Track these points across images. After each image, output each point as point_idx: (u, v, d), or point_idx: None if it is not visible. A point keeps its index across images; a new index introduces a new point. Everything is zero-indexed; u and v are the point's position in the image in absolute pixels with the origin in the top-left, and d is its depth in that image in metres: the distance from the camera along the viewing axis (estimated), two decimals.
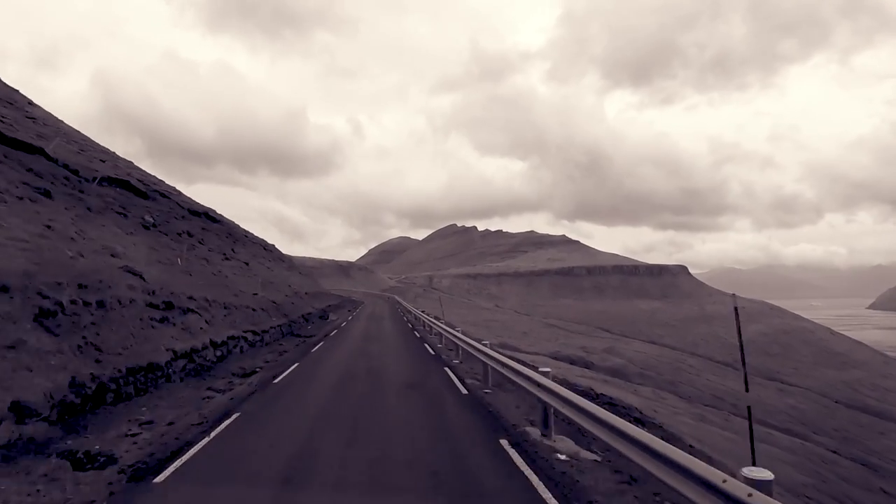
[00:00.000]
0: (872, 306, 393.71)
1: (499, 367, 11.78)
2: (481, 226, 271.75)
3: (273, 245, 59.08)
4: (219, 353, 15.14)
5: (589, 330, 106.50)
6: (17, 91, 28.47)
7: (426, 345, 23.06)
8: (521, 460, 7.41)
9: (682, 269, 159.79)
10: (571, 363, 67.84)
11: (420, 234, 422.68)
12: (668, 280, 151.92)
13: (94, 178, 19.60)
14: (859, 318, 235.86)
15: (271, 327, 21.75)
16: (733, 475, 4.20)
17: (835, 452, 39.97)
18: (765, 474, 3.98)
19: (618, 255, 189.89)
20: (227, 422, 9.13)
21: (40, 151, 17.61)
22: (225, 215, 42.49)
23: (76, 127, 32.00)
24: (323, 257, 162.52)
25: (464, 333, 18.98)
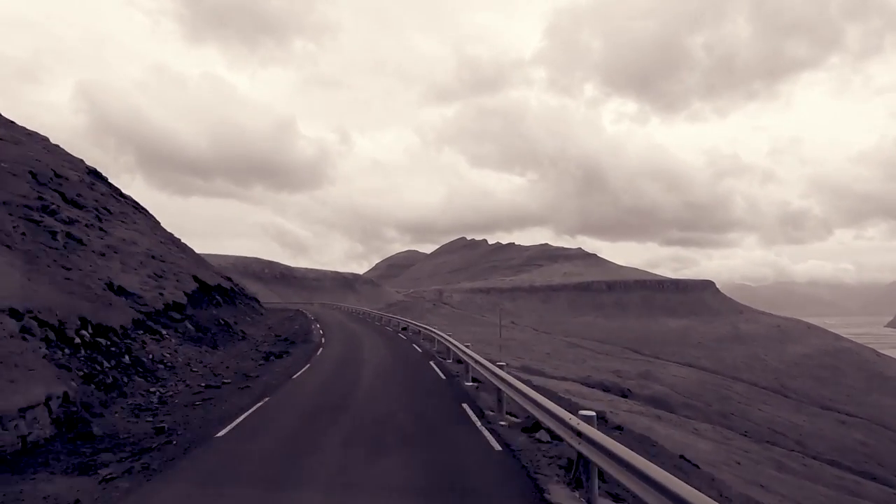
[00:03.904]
0: (891, 324, 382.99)
1: None
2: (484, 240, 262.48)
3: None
4: None
5: (617, 350, 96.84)
6: None
7: None
8: None
9: (709, 285, 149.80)
10: (605, 390, 58.41)
11: (423, 248, 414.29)
12: (694, 296, 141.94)
13: None
14: (880, 337, 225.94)
15: None
16: None
17: None
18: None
19: (638, 269, 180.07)
20: None
21: None
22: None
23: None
24: (326, 270, 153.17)
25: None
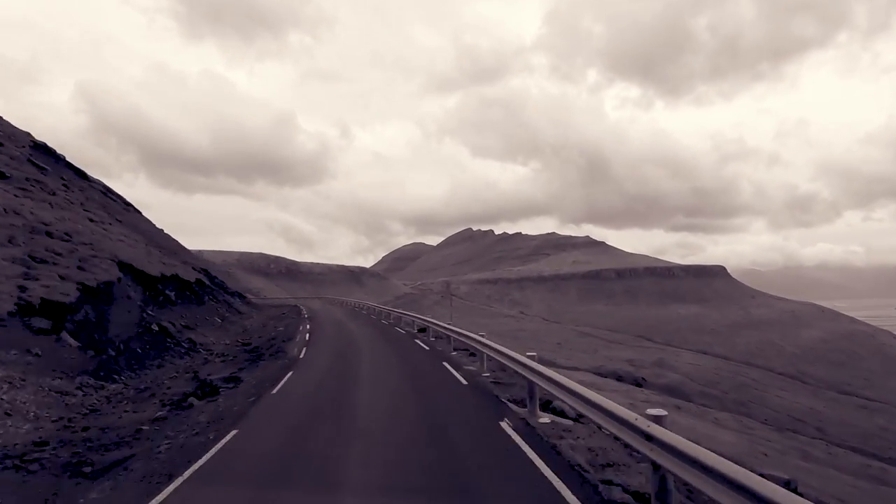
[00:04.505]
0: None
1: None
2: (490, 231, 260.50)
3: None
4: None
5: (628, 339, 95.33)
6: None
7: None
8: None
9: (720, 270, 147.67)
10: (619, 380, 56.98)
11: (428, 241, 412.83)
12: (705, 282, 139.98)
13: None
14: (893, 319, 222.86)
15: None
16: None
17: None
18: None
19: (648, 256, 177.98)
20: None
21: None
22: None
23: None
24: (332, 264, 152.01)
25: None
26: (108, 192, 34.70)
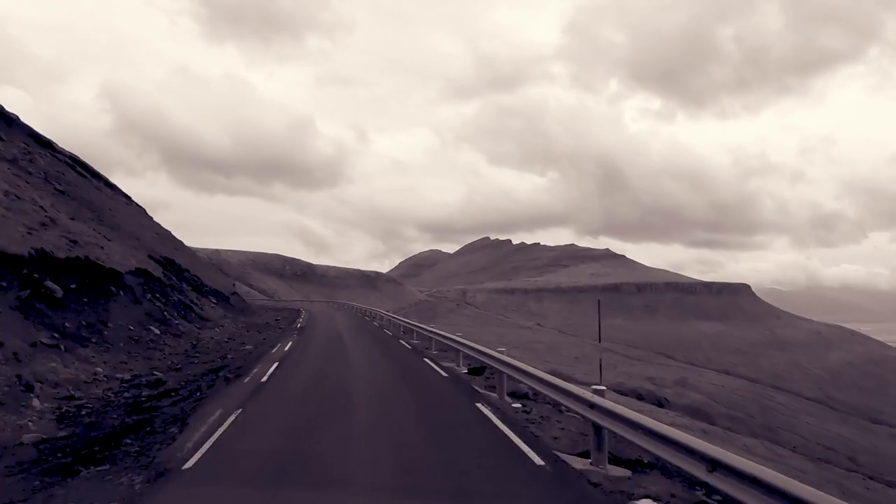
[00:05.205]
0: None
1: None
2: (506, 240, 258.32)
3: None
4: None
5: (648, 356, 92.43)
6: None
7: None
8: None
9: (744, 288, 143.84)
10: (640, 398, 54.50)
11: (444, 248, 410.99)
12: (728, 299, 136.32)
13: None
14: None
15: None
16: None
17: None
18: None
19: (668, 271, 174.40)
20: None
21: None
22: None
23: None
24: (348, 268, 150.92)
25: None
26: (75, 161, 31.03)
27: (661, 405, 57.23)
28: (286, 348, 21.20)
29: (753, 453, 37.41)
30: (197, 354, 19.81)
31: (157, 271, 25.06)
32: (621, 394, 51.89)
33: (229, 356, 19.55)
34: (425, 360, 18.53)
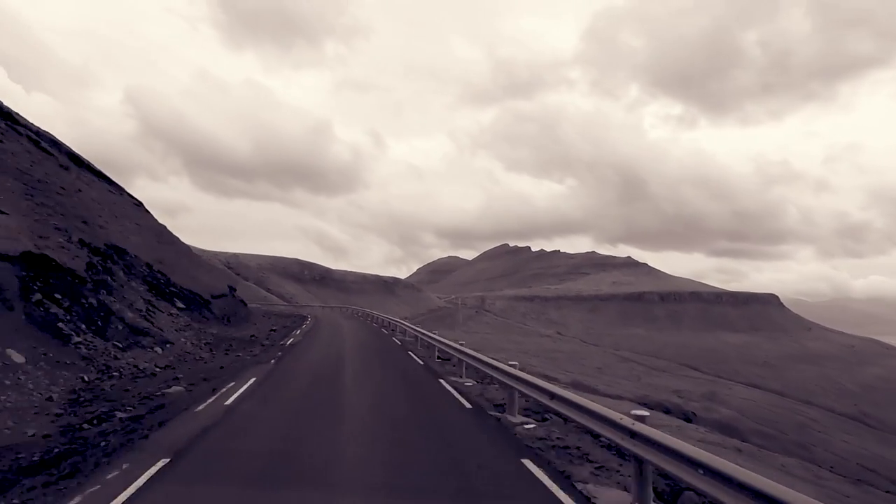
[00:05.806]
0: None
1: None
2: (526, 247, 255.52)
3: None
4: None
5: (673, 367, 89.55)
6: None
7: None
8: None
9: (772, 299, 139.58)
10: (666, 412, 52.19)
11: (462, 254, 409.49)
12: (755, 310, 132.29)
13: None
14: None
15: None
16: None
17: None
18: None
19: (692, 280, 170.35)
20: None
21: None
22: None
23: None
24: (366, 273, 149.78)
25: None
26: (40, 136, 28.15)
27: (689, 420, 54.69)
28: (238, 392, 12.26)
29: (792, 474, 34.94)
30: (72, 408, 10.61)
31: (78, 262, 18.21)
32: (648, 407, 49.57)
33: (118, 415, 10.10)
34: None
